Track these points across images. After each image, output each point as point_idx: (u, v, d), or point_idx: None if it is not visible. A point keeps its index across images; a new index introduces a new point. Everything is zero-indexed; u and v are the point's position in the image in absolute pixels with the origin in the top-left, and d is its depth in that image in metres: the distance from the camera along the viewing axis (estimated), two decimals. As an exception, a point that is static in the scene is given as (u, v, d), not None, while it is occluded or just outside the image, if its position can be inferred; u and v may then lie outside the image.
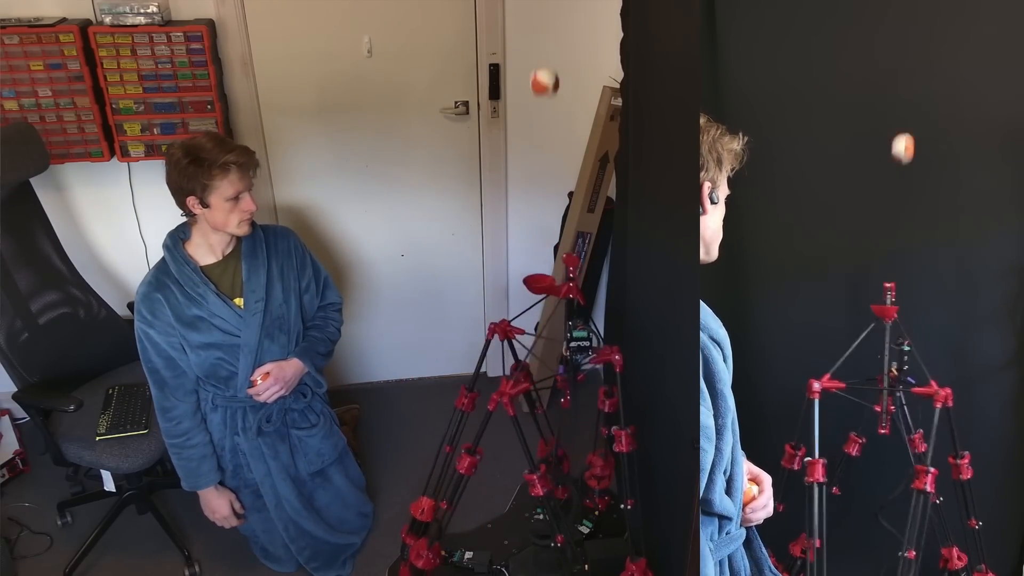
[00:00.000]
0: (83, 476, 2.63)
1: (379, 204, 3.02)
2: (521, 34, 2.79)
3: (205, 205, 1.96)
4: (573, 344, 1.97)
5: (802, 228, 2.09)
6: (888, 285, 1.85)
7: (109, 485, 2.38)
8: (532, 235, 3.14)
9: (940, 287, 2.06)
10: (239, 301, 2.10)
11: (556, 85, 1.84)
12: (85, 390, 2.43)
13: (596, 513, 2.52)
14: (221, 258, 2.10)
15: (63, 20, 2.46)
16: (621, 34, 2.17)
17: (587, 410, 2.40)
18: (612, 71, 2.56)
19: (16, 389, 2.29)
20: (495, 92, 2.86)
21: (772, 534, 1.47)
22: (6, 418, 2.86)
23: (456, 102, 2.89)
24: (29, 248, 2.43)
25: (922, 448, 1.81)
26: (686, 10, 1.60)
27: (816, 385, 1.80)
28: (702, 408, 1.23)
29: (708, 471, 1.25)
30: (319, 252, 2.90)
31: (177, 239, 2.08)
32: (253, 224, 2.10)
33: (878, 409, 1.91)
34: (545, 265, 3.16)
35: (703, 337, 1.28)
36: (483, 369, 2.20)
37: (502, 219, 3.11)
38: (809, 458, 1.78)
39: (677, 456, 1.68)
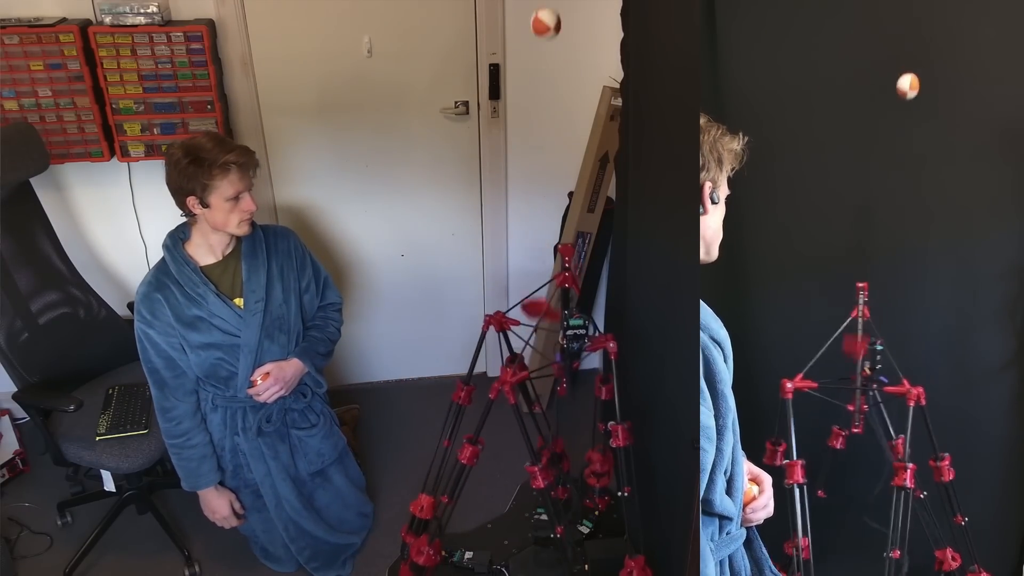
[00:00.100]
0: (83, 476, 2.63)
1: (379, 204, 3.02)
2: (521, 34, 2.79)
3: (205, 205, 1.96)
4: (569, 332, 1.97)
5: (802, 228, 2.09)
6: (860, 285, 1.86)
7: (109, 485, 2.38)
8: (532, 235, 3.14)
9: (940, 287, 2.07)
10: (239, 301, 2.10)
11: (558, 26, 1.81)
12: (85, 390, 2.43)
13: (596, 513, 2.52)
14: (221, 258, 2.10)
15: (63, 20, 2.46)
16: (621, 34, 2.17)
17: (587, 410, 2.40)
18: (612, 71, 2.56)
19: (16, 389, 2.29)
20: (495, 92, 2.86)
21: (771, 534, 1.47)
22: (6, 418, 2.86)
23: (456, 102, 2.89)
24: (29, 248, 2.43)
25: (900, 453, 1.83)
26: (686, 10, 1.60)
27: (788, 385, 1.82)
28: (702, 408, 1.23)
29: (709, 471, 1.25)
30: (319, 252, 2.90)
31: (177, 239, 2.08)
32: (253, 224, 2.10)
33: (851, 408, 1.93)
34: (545, 265, 3.16)
35: (703, 337, 1.28)
36: (483, 369, 2.21)
37: (502, 219, 3.11)
38: (787, 460, 1.80)
39: (677, 456, 1.68)
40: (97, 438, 2.26)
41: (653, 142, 1.91)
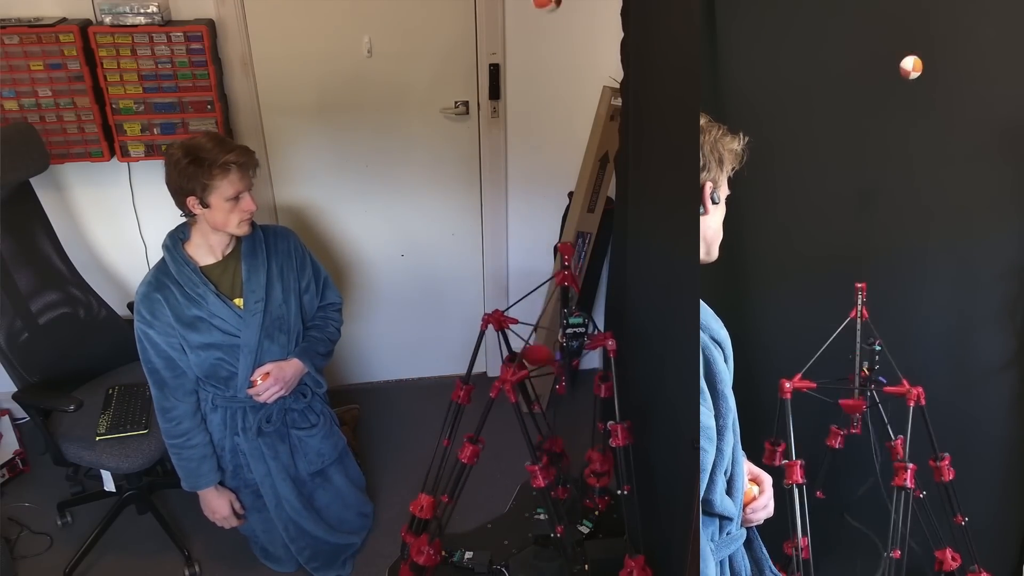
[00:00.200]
0: (83, 476, 2.63)
1: (379, 204, 3.02)
2: (521, 34, 2.79)
3: (205, 205, 1.96)
4: (569, 331, 1.97)
5: (802, 228, 2.09)
6: (859, 285, 1.86)
7: (109, 485, 2.38)
8: (532, 235, 3.14)
9: (940, 287, 2.07)
10: (239, 301, 2.10)
11: None
12: (85, 390, 2.43)
13: (596, 513, 2.52)
14: (221, 258, 2.10)
15: (63, 20, 2.46)
16: (621, 34, 2.17)
17: (586, 409, 2.40)
18: (612, 71, 2.56)
19: (16, 389, 2.29)
20: (495, 92, 2.86)
21: (771, 534, 1.47)
22: (6, 418, 2.86)
23: (456, 102, 2.89)
24: (29, 248, 2.43)
25: (900, 454, 1.83)
26: (686, 10, 1.60)
27: (787, 385, 1.82)
28: (703, 408, 1.23)
29: (709, 471, 1.25)
30: (319, 252, 2.90)
31: (177, 239, 2.08)
32: (253, 224, 2.10)
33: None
34: (545, 265, 3.16)
35: (704, 337, 1.28)
36: (483, 369, 2.21)
37: (502, 219, 3.11)
38: (787, 460, 1.80)
39: (677, 456, 1.68)
40: (97, 438, 2.26)
41: (653, 142, 1.91)
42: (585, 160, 2.88)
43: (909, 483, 1.77)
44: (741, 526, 1.35)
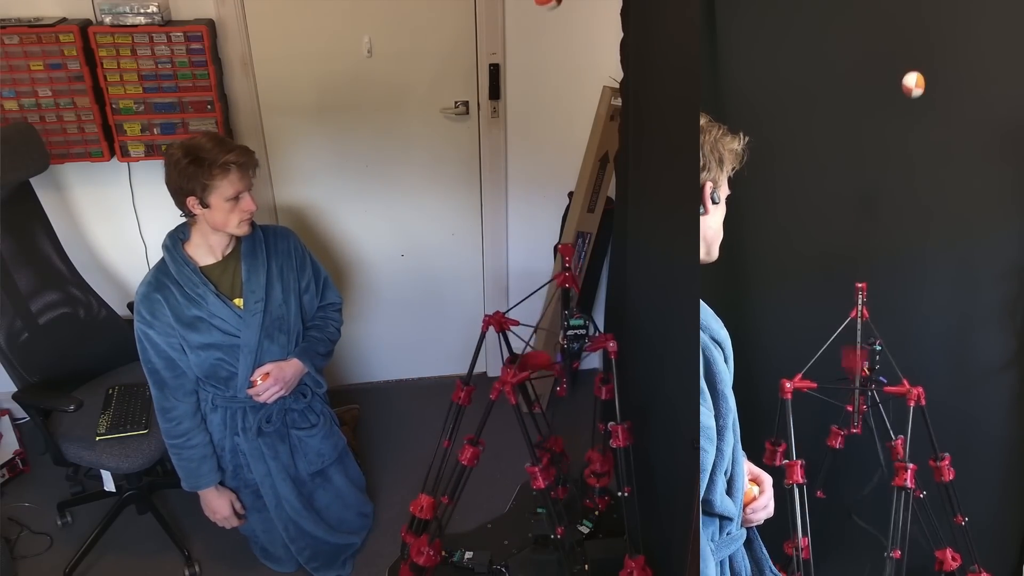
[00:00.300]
0: (83, 476, 2.63)
1: (379, 204, 3.02)
2: (521, 34, 2.79)
3: (205, 205, 1.96)
4: (570, 332, 1.97)
5: (802, 228, 2.09)
6: (859, 285, 1.86)
7: (109, 485, 2.38)
8: (532, 235, 3.14)
9: (940, 287, 2.07)
10: (239, 302, 2.10)
11: None
12: (85, 390, 2.43)
13: (596, 513, 2.52)
14: (221, 258, 2.10)
15: (63, 20, 2.46)
16: (621, 34, 2.17)
17: (586, 410, 2.40)
18: (612, 71, 2.56)
19: (16, 389, 2.29)
20: (495, 92, 2.86)
21: (771, 534, 1.47)
22: (6, 418, 2.86)
23: (456, 102, 2.89)
24: (29, 248, 2.43)
25: (900, 453, 1.83)
26: (686, 10, 1.60)
27: (788, 385, 1.82)
28: (703, 409, 1.23)
29: (709, 472, 1.25)
30: (319, 252, 2.90)
31: (177, 240, 2.08)
32: (253, 224, 2.10)
33: (850, 409, 1.93)
34: (545, 265, 3.16)
35: (704, 337, 1.28)
36: (483, 369, 2.20)
37: (502, 219, 3.11)
38: (787, 460, 1.80)
39: (677, 456, 1.69)
40: (97, 438, 2.26)
41: (653, 142, 1.91)
42: (585, 160, 2.88)
43: (910, 483, 1.77)
44: (741, 526, 1.35)
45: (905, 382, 1.83)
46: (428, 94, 2.87)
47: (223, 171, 1.92)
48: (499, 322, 2.16)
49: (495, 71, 2.83)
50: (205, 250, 2.09)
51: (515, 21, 2.77)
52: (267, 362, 2.13)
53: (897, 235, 2.05)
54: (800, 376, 1.84)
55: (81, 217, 2.82)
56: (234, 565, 2.44)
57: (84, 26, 2.42)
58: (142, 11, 2.41)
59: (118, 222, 2.83)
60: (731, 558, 1.35)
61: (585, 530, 2.47)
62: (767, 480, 1.42)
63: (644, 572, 1.95)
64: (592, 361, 3.25)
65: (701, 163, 1.24)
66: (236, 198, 1.98)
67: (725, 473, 1.27)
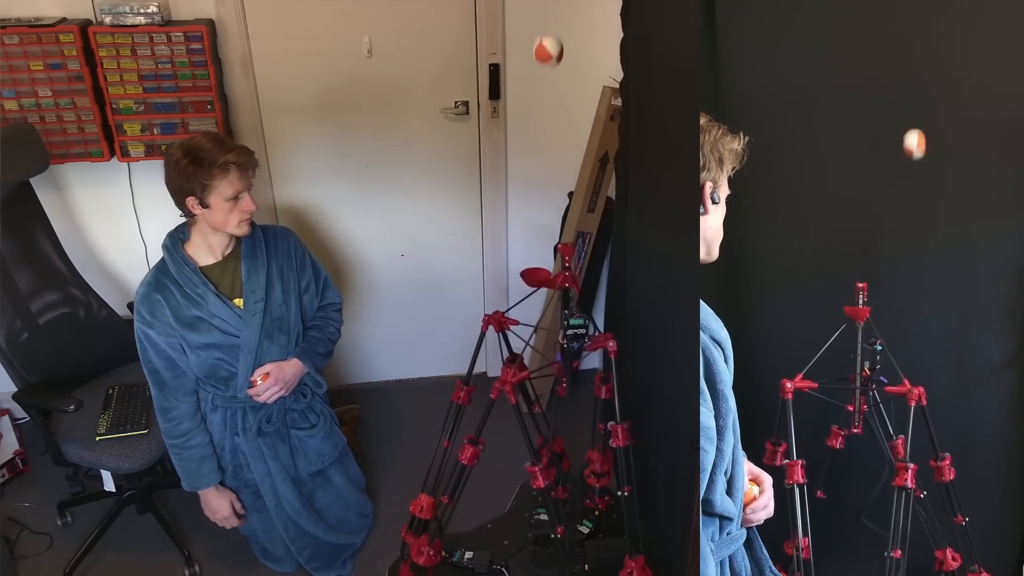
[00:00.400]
0: (83, 476, 2.63)
1: (379, 204, 3.02)
2: (521, 34, 2.79)
3: (205, 205, 1.96)
4: (570, 332, 1.97)
5: (802, 228, 2.09)
6: (860, 285, 1.86)
7: (109, 485, 2.38)
8: (532, 235, 3.14)
9: (940, 287, 2.07)
10: (238, 302, 2.10)
11: (560, 55, 1.83)
12: (85, 390, 2.43)
13: (596, 513, 2.52)
14: (221, 259, 2.10)
15: (63, 20, 2.46)
16: (621, 34, 2.17)
17: (586, 410, 2.40)
18: (612, 71, 2.56)
19: (16, 389, 2.29)
20: (495, 92, 2.86)
21: (770, 532, 1.47)
22: (6, 418, 2.86)
23: (456, 102, 2.89)
24: (29, 248, 2.43)
25: (900, 453, 1.82)
26: (686, 10, 1.60)
27: (789, 385, 1.82)
28: (703, 409, 1.23)
29: (709, 472, 1.25)
30: (319, 252, 2.91)
31: (176, 240, 2.08)
32: (253, 224, 2.10)
33: (851, 409, 1.93)
34: (545, 265, 3.14)
35: (704, 337, 1.28)
36: (483, 369, 2.20)
37: (502, 219, 3.11)
38: (787, 460, 1.80)
39: (677, 456, 1.68)
40: (97, 438, 2.26)
41: (653, 142, 1.91)
42: (585, 160, 2.88)
43: (910, 483, 1.77)
44: (741, 526, 1.35)
45: (906, 382, 1.82)
46: (428, 94, 2.87)
47: (223, 171, 1.92)
48: (499, 322, 2.16)
49: (495, 71, 2.83)
50: (205, 250, 2.09)
51: (515, 21, 2.77)
52: (267, 362, 2.13)
53: (897, 235, 2.05)
54: (801, 376, 1.84)
55: (81, 217, 2.82)
56: (234, 565, 2.44)
57: (84, 26, 2.42)
58: (142, 11, 2.41)
59: (118, 222, 2.83)
60: (731, 558, 1.35)
61: (585, 530, 2.47)
62: (767, 480, 1.42)
63: (644, 572, 1.95)
64: (592, 361, 3.25)
65: (701, 163, 1.24)
66: (236, 198, 1.98)
67: (725, 473, 1.27)
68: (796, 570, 1.76)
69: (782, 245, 2.10)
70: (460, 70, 2.85)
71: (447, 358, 3.28)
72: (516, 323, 2.15)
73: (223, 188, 1.94)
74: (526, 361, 2.31)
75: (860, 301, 1.86)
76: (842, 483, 2.03)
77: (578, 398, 2.94)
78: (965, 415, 2.10)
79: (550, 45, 1.82)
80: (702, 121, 1.26)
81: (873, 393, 1.90)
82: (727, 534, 1.31)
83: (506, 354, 2.20)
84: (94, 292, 2.56)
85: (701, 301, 1.31)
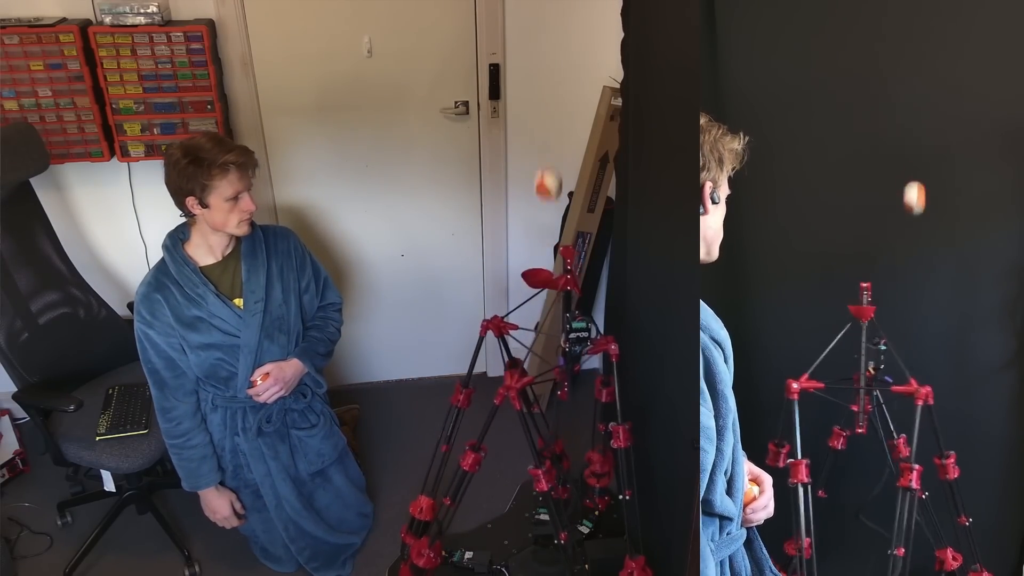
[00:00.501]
0: (83, 476, 2.63)
1: (379, 204, 3.02)
2: (521, 34, 2.79)
3: (204, 205, 1.96)
4: (572, 336, 1.97)
5: (802, 228, 2.08)
6: (864, 285, 1.85)
7: (109, 485, 2.38)
8: (532, 235, 3.14)
9: (940, 287, 2.06)
10: (238, 302, 2.10)
11: (559, 189, 1.89)
12: (85, 390, 2.43)
13: (596, 513, 2.52)
14: (220, 259, 2.10)
15: (63, 20, 2.46)
16: (621, 34, 2.17)
17: (586, 410, 2.40)
18: (612, 71, 2.56)
19: (16, 389, 2.29)
20: (495, 92, 2.86)
21: (770, 531, 1.47)
22: (6, 418, 2.86)
23: (456, 102, 2.89)
24: (29, 248, 2.43)
25: (905, 452, 1.82)
26: (686, 10, 1.60)
27: (794, 385, 1.81)
28: (703, 409, 1.23)
29: (709, 472, 1.25)
30: (319, 252, 2.91)
31: (176, 240, 2.08)
32: (253, 224, 2.10)
33: (855, 409, 1.92)
34: (545, 265, 3.16)
35: (704, 337, 1.28)
36: (483, 369, 2.20)
37: (502, 219, 3.11)
38: (792, 459, 1.79)
39: (677, 456, 1.68)
40: (97, 438, 2.26)
41: (653, 142, 1.91)
42: (585, 160, 2.88)
43: (915, 484, 1.76)
44: (741, 526, 1.35)
45: (913, 381, 1.81)
46: (428, 94, 2.87)
47: (222, 171, 1.92)
48: (498, 327, 2.16)
49: (495, 71, 2.83)
50: (205, 250, 2.09)
51: (515, 21, 2.77)
52: (267, 362, 2.13)
53: (897, 235, 2.05)
54: (807, 376, 1.82)
55: (81, 217, 2.82)
56: (234, 565, 2.44)
57: (84, 26, 2.42)
58: (142, 11, 2.41)
59: (118, 222, 2.83)
60: (731, 558, 1.35)
61: (585, 530, 2.47)
62: (767, 480, 1.42)
63: (644, 572, 1.95)
64: (592, 362, 3.24)
65: (701, 163, 1.24)
66: (235, 198, 1.98)
67: (725, 473, 1.27)
68: (798, 570, 1.76)
69: (782, 245, 2.10)
70: (460, 70, 2.85)
71: (447, 358, 3.28)
72: (515, 327, 2.15)
73: (223, 188, 1.94)
74: (525, 365, 2.31)
75: (864, 301, 1.85)
76: (843, 483, 2.03)
77: (578, 398, 2.93)
78: (965, 415, 2.10)
79: (550, 182, 1.87)
80: (702, 121, 1.26)
81: (876, 393, 1.89)
82: (727, 534, 1.31)
83: (506, 358, 2.19)
84: (94, 292, 2.56)
85: (701, 301, 1.31)
